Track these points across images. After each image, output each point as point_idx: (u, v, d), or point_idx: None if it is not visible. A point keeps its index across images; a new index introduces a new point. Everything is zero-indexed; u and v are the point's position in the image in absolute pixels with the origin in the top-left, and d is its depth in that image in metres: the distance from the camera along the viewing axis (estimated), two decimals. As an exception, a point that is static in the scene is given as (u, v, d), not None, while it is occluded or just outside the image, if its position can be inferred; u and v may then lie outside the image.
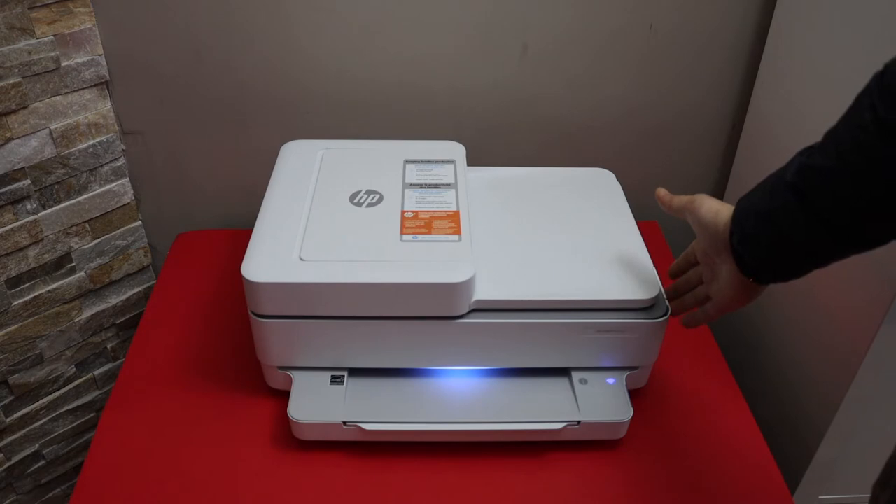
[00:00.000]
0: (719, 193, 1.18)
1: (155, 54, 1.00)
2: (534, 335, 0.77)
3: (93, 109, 0.98)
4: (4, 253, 0.95)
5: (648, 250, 0.83)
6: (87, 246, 1.05)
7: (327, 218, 0.81)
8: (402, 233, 0.78)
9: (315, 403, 0.77)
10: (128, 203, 1.07)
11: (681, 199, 0.71)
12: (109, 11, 0.95)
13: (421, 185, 0.86)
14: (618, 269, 0.80)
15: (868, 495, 0.56)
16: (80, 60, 0.94)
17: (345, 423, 0.76)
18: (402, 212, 0.81)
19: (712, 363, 0.92)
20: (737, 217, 0.62)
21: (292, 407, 0.77)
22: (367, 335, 0.77)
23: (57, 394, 1.10)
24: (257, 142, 1.09)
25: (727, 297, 0.66)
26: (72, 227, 1.02)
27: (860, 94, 0.50)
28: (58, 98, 0.94)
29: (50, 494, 1.17)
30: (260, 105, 1.06)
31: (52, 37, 0.90)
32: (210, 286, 1.01)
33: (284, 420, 0.79)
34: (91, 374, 1.13)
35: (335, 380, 0.79)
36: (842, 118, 0.52)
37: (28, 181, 0.94)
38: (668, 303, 0.78)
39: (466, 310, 0.75)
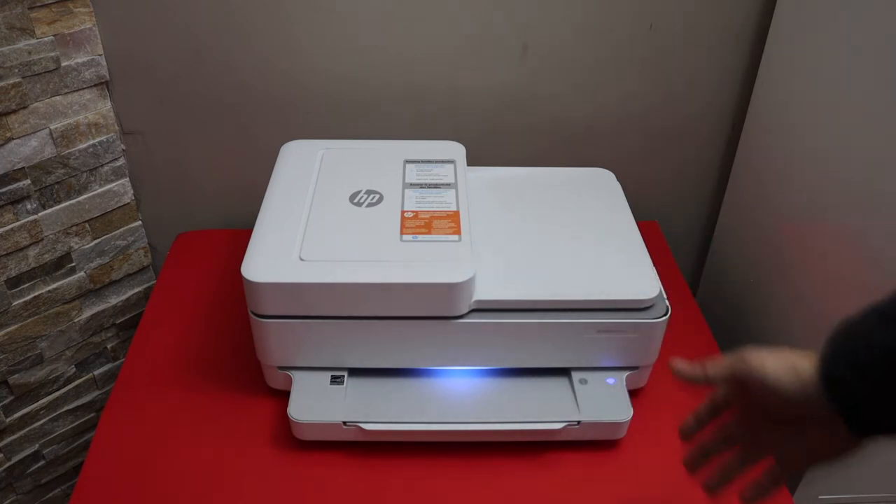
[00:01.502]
0: (719, 193, 1.18)
1: (155, 54, 1.00)
2: (534, 335, 0.77)
3: (93, 109, 0.98)
4: (4, 253, 0.95)
5: (648, 250, 0.83)
6: (87, 246, 1.05)
7: (327, 218, 0.81)
8: (402, 233, 0.78)
9: (315, 403, 0.77)
10: (128, 203, 1.07)
11: (719, 365, 0.59)
12: (109, 11, 0.95)
13: (421, 185, 0.86)
14: (618, 269, 0.80)
15: (867, 495, 0.56)
16: (80, 60, 0.94)
17: (345, 423, 0.76)
18: (402, 212, 0.81)
19: (712, 363, 0.92)
20: (840, 365, 0.50)
21: (292, 407, 0.77)
22: (367, 335, 0.77)
23: (57, 394, 1.10)
24: (257, 142, 1.09)
25: (824, 459, 0.55)
26: (72, 227, 1.02)
27: None
28: (58, 98, 0.94)
29: (50, 494, 1.17)
30: (260, 105, 1.06)
31: (52, 37, 0.90)
32: (210, 286, 1.01)
33: (284, 420, 0.79)
34: (91, 374, 1.13)
35: (335, 380, 0.79)
36: None
37: (28, 181, 0.94)
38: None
39: (466, 310, 0.75)
